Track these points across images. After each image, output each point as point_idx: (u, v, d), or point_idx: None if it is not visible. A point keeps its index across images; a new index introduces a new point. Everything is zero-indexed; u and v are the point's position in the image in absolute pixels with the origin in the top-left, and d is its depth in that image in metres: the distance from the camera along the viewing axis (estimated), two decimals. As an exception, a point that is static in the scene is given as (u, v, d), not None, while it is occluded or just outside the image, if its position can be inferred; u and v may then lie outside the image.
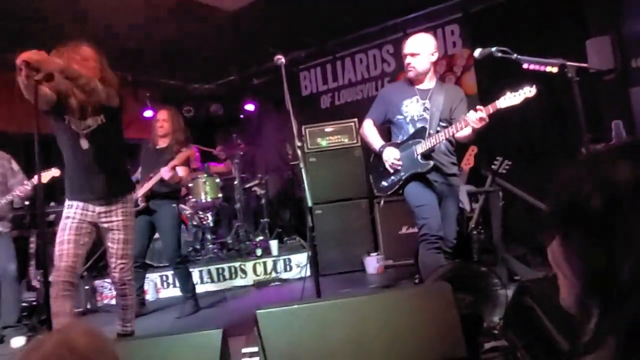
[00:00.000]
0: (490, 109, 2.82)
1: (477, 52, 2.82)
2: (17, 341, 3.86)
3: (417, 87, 3.25)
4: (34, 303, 4.53)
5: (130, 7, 4.95)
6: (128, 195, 3.04)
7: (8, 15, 4.70)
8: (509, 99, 2.77)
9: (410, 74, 3.21)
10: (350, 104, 6.96)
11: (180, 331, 2.04)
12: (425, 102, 3.19)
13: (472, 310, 2.08)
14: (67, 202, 2.92)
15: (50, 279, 2.73)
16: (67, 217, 2.86)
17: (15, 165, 4.09)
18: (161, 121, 4.45)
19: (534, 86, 2.72)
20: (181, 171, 4.30)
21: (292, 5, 5.46)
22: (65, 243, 2.79)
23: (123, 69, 6.51)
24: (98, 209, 2.90)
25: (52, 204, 4.88)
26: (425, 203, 3.12)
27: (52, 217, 4.69)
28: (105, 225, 2.93)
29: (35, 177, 3.74)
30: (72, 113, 2.81)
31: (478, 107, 2.86)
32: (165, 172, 4.14)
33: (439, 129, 3.14)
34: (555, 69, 2.49)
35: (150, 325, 4.19)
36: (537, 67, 2.57)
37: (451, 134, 3.03)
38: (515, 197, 4.40)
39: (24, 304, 4.37)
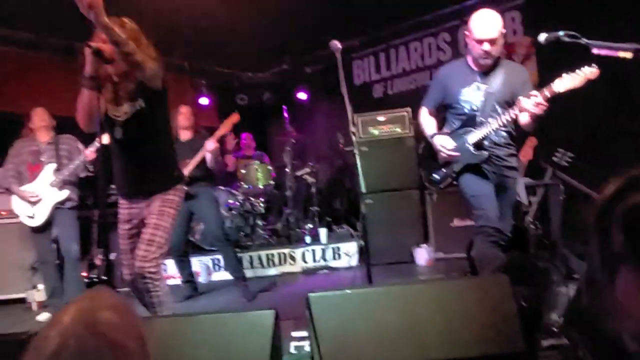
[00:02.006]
0: (547, 92, 2.60)
1: (543, 37, 2.66)
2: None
3: (476, 70, 2.96)
4: (95, 280, 4.75)
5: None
6: (172, 185, 2.73)
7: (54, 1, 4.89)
8: (567, 81, 2.55)
9: (487, 62, 2.88)
10: (403, 93, 6.86)
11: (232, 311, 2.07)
12: (485, 87, 2.93)
13: (530, 305, 2.00)
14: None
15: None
16: (118, 214, 2.73)
17: (80, 145, 4.29)
18: (187, 114, 4.54)
19: (595, 66, 2.50)
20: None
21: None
22: (120, 239, 2.72)
23: (179, 57, 6.71)
24: (141, 204, 2.69)
25: (113, 185, 5.09)
26: (482, 193, 2.93)
27: (113, 198, 4.90)
28: (146, 213, 2.69)
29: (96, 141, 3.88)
30: (106, 96, 2.56)
31: (532, 92, 2.66)
32: (210, 144, 4.23)
33: (493, 114, 2.91)
34: (629, 55, 2.32)
35: (202, 306, 4.32)
36: (608, 52, 2.41)
37: (504, 122, 2.83)
38: (576, 192, 4.20)
39: (87, 281, 4.59)
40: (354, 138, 2.70)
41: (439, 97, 3.14)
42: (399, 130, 5.56)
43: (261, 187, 5.89)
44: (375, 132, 5.58)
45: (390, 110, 5.65)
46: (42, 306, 4.45)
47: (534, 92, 2.64)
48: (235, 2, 5.32)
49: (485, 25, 2.81)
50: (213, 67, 7.54)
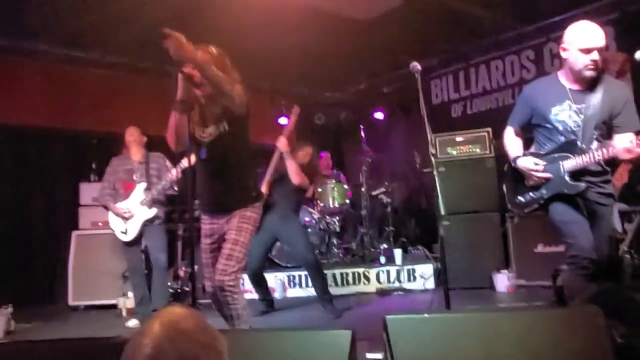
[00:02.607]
0: None
1: (639, 54, 2.51)
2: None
3: (569, 87, 2.73)
4: (179, 290, 5.00)
5: (267, 18, 5.22)
6: (251, 204, 2.83)
7: (148, 29, 5.26)
8: None
9: (593, 73, 2.63)
10: (483, 112, 6.67)
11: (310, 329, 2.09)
12: (580, 108, 2.68)
13: (626, 342, 1.85)
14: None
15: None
16: (201, 229, 2.87)
17: (169, 163, 4.56)
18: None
19: None
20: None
21: (426, 13, 5.39)
22: (203, 253, 2.86)
23: (260, 78, 6.97)
24: (221, 220, 2.81)
25: (197, 201, 5.35)
26: (574, 220, 2.69)
27: (197, 212, 5.14)
28: (226, 228, 2.80)
29: (183, 161, 4.10)
30: (194, 118, 2.74)
31: (630, 138, 2.49)
32: (281, 141, 4.32)
33: (595, 139, 2.69)
34: None
35: (278, 322, 4.40)
36: None
37: (599, 158, 2.62)
38: (678, 219, 3.85)
39: (171, 291, 4.84)
40: (433, 159, 2.66)
41: (525, 116, 2.94)
42: (478, 150, 5.40)
43: (337, 205, 5.94)
44: (454, 152, 5.46)
45: (469, 131, 5.51)
46: (131, 313, 4.74)
47: (632, 139, 2.48)
48: (313, 23, 5.45)
49: (591, 33, 2.61)
50: (291, 87, 7.76)
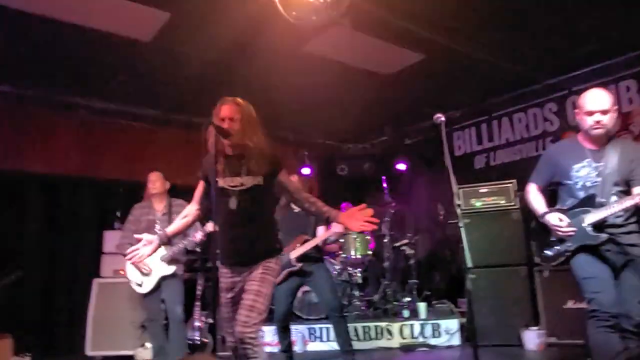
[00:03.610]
0: None
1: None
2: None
3: (587, 147, 2.95)
4: (198, 342, 4.90)
5: (293, 70, 5.36)
6: (275, 255, 2.84)
7: (177, 83, 5.47)
8: None
9: (599, 132, 2.87)
10: (507, 164, 6.63)
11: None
12: (598, 165, 2.89)
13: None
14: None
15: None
16: (219, 282, 2.83)
17: (192, 213, 4.58)
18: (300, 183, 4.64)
19: None
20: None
21: (449, 66, 5.49)
22: (223, 307, 2.82)
23: (284, 129, 7.12)
24: (243, 273, 2.78)
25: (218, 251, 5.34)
26: (594, 275, 2.79)
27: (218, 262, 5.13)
28: (248, 279, 2.76)
29: (209, 224, 4.18)
30: (219, 168, 2.76)
31: None
32: (337, 227, 4.22)
33: (614, 194, 2.83)
34: None
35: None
36: None
37: (625, 208, 2.75)
38: None
39: (189, 342, 4.75)
40: (458, 210, 2.64)
41: (549, 174, 3.12)
42: (503, 202, 5.33)
43: (359, 257, 5.85)
44: (478, 204, 5.40)
45: (494, 182, 5.47)
46: (149, 364, 4.66)
47: None
48: (337, 77, 5.59)
49: (594, 97, 2.87)
50: (315, 138, 7.87)
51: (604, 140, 2.93)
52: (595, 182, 2.88)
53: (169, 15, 4.37)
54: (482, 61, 5.35)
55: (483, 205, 5.38)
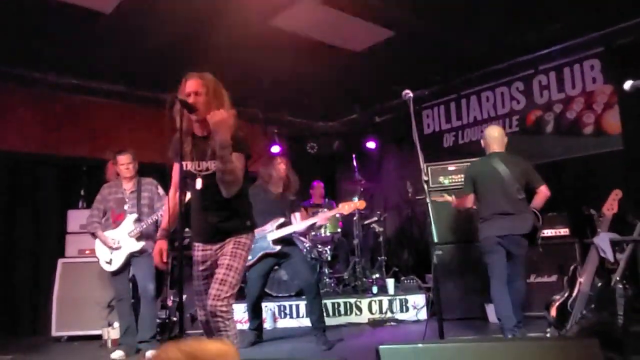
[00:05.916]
0: None
1: (628, 85, 2.54)
2: (152, 354, 4.15)
3: None
4: (167, 320, 4.86)
5: (261, 46, 5.26)
6: (246, 232, 2.82)
7: (140, 57, 5.32)
8: None
9: None
10: (474, 142, 6.70)
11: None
12: None
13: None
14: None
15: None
16: (192, 256, 2.83)
17: (161, 191, 4.50)
18: (284, 164, 4.62)
19: None
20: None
21: (417, 45, 5.49)
22: (195, 280, 2.82)
23: (254, 106, 7.02)
24: (215, 247, 2.78)
25: (187, 229, 5.28)
26: None
27: (187, 240, 5.07)
28: (220, 254, 2.78)
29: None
30: (186, 149, 2.73)
31: None
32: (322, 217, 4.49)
33: None
34: None
35: (268, 353, 4.29)
36: None
37: None
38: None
39: (158, 321, 4.70)
40: (426, 187, 2.66)
41: None
42: (470, 179, 5.41)
43: (329, 234, 5.89)
44: (446, 181, 5.48)
45: (461, 160, 5.55)
46: (116, 344, 4.59)
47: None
48: (306, 53, 5.52)
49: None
50: (285, 116, 7.80)
51: None
52: None
53: (131, -15, 4.20)
54: (450, 40, 5.37)
55: (451, 182, 5.47)
